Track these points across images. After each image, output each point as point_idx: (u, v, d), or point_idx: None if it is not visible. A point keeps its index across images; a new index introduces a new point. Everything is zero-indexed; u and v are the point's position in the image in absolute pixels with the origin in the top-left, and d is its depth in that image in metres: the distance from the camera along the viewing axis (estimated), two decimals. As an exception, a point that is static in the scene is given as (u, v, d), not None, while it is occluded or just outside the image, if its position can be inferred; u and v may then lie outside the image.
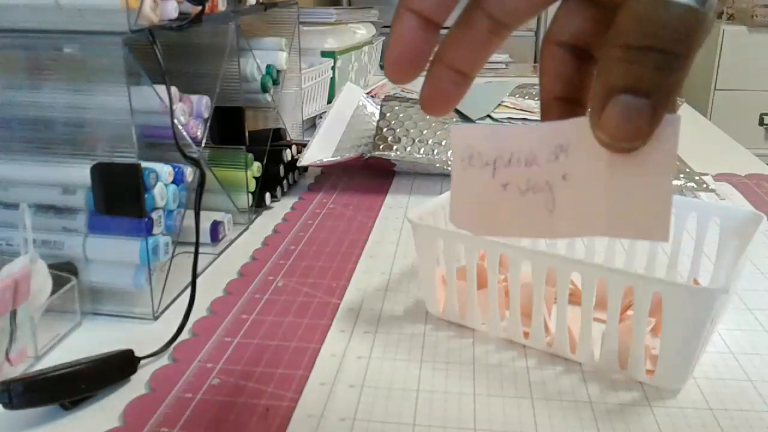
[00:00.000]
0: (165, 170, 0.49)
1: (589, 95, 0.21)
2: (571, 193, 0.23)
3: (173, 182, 0.50)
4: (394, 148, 0.77)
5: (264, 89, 0.71)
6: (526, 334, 0.44)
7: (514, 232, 0.25)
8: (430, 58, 0.25)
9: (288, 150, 0.75)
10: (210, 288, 0.53)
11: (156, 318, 0.49)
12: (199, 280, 0.50)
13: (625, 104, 0.20)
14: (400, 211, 0.70)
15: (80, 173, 0.47)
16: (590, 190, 0.23)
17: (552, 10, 0.26)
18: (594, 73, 0.24)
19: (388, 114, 0.81)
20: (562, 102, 0.25)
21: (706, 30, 0.20)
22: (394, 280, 0.55)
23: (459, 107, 0.84)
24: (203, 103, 0.57)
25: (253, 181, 0.67)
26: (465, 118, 0.83)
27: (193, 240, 0.50)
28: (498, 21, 0.24)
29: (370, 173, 0.82)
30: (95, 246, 0.48)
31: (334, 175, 0.82)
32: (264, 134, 0.73)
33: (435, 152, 0.77)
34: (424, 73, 0.25)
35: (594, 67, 0.25)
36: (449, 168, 0.77)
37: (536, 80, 1.50)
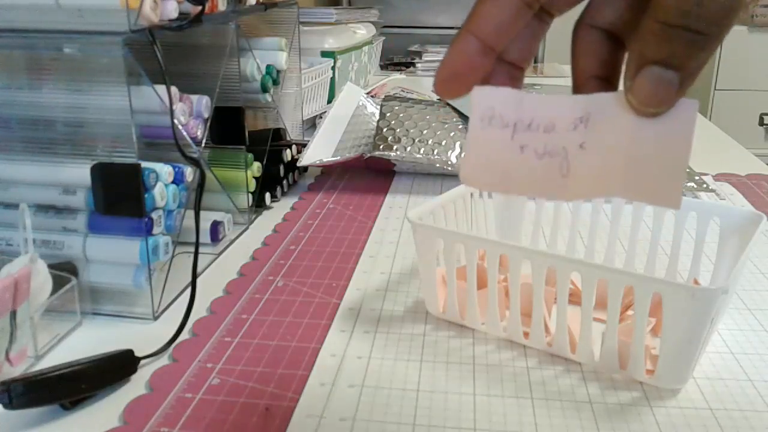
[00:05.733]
0: (165, 170, 0.49)
1: (626, 61, 0.23)
2: (586, 160, 0.25)
3: (173, 182, 0.50)
4: (394, 148, 0.77)
5: (264, 89, 0.71)
6: (526, 334, 0.44)
7: (524, 191, 0.27)
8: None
9: (288, 150, 0.75)
10: (210, 288, 0.53)
11: (156, 318, 0.49)
12: (199, 280, 0.50)
13: (656, 75, 0.22)
14: (400, 211, 0.70)
15: (80, 173, 0.47)
16: (607, 157, 0.24)
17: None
18: (625, 58, 0.25)
19: (388, 114, 0.81)
20: (600, 80, 0.26)
21: (739, 14, 0.21)
22: (394, 280, 0.55)
23: (458, 107, 0.84)
24: (203, 103, 0.57)
25: (253, 181, 0.67)
26: (465, 117, 0.83)
27: (193, 240, 0.50)
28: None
29: (370, 173, 0.82)
30: (95, 246, 0.48)
31: (334, 175, 0.82)
32: (264, 134, 0.73)
33: (435, 152, 0.77)
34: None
35: (624, 53, 0.26)
36: (449, 168, 0.77)
37: (536, 80, 1.50)
